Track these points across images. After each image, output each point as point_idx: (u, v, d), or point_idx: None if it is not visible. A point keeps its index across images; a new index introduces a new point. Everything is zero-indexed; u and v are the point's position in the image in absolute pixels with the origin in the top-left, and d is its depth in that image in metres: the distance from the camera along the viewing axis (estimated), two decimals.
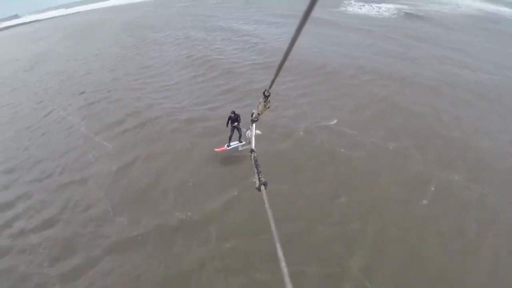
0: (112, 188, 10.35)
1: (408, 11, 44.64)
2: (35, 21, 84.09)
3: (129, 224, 8.75)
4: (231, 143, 11.26)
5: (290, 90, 16.21)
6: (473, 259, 7.28)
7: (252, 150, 2.95)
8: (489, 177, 9.81)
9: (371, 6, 51.00)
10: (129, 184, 10.41)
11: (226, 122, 10.76)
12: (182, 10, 58.92)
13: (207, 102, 15.72)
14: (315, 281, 6.85)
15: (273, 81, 2.06)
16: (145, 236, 8.31)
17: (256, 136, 3.46)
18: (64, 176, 11.40)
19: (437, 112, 13.75)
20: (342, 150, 11.24)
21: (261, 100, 2.58)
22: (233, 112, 10.61)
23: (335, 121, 12.99)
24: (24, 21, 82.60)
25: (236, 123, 10.75)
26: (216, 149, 11.19)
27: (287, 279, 1.20)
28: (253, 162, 2.68)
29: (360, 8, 49.51)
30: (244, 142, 11.12)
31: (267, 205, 1.77)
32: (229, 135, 11.05)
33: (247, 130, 3.69)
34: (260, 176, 2.31)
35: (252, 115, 3.20)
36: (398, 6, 50.08)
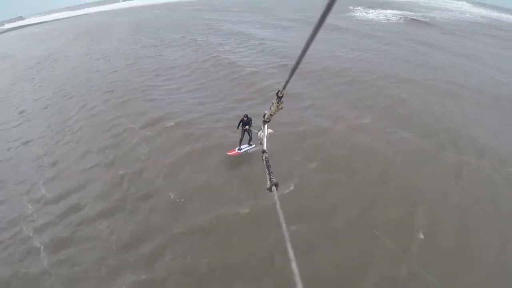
0: (172, 178, 10.98)
1: (414, 17, 45.79)
2: (43, 22, 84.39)
3: (197, 212, 9.38)
4: (242, 147, 11.41)
5: (322, 92, 17.24)
6: None
7: (263, 151, 2.93)
8: None
9: (378, 11, 52.25)
10: (190, 175, 11.04)
11: (237, 124, 10.88)
12: (191, 14, 59.66)
13: (243, 100, 16.62)
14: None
15: (287, 83, 2.07)
16: (215, 223, 8.95)
17: (269, 135, 3.48)
18: (117, 166, 12.04)
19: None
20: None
21: (274, 101, 2.59)
22: (246, 116, 10.74)
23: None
24: (31, 23, 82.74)
25: (247, 126, 10.86)
26: (229, 153, 11.32)
27: (297, 278, 1.22)
28: (264, 163, 2.66)
29: (367, 13, 50.65)
30: (254, 145, 11.36)
31: (278, 206, 1.76)
32: (239, 138, 11.22)
33: (259, 131, 3.65)
34: (271, 177, 2.32)
35: (264, 116, 3.18)
36: (404, 12, 51.39)
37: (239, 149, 11.33)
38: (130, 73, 23.44)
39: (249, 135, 11.14)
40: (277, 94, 2.47)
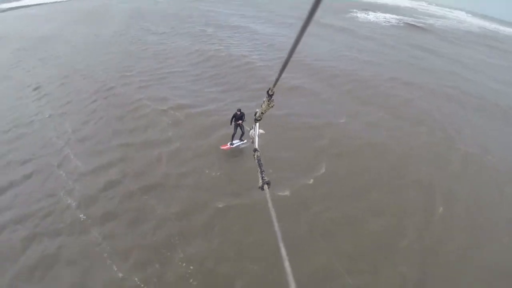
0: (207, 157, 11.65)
1: (411, 23, 47.42)
2: (40, 4, 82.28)
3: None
4: (234, 141, 11.57)
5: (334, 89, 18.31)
6: None
7: (255, 150, 2.90)
8: None
9: (377, 13, 53.76)
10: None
11: (230, 119, 11.04)
12: (189, 4, 58.80)
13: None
14: None
15: (277, 80, 2.06)
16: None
17: (260, 135, 3.43)
18: (150, 146, 12.56)
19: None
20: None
21: (265, 99, 2.55)
22: (239, 110, 10.84)
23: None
24: (26, 4, 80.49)
25: (240, 121, 10.98)
26: (222, 147, 11.57)
27: (290, 278, 1.21)
28: (256, 161, 2.64)
29: (368, 14, 52.02)
30: (246, 141, 11.60)
31: (270, 205, 1.75)
32: (232, 133, 11.43)
33: (251, 129, 3.66)
34: (263, 175, 2.30)
35: (255, 114, 3.19)
36: (401, 17, 53.02)
37: (231, 144, 11.57)
38: (145, 59, 23.76)
39: (241, 130, 11.33)
40: (267, 92, 2.43)
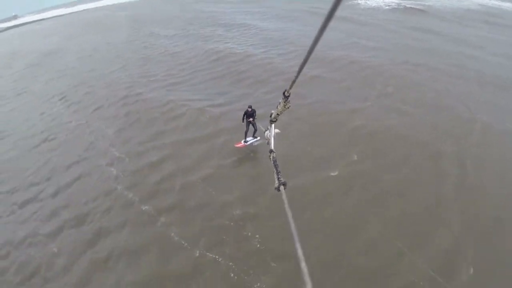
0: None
1: (412, 6, 47.45)
2: (41, 19, 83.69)
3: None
4: (247, 139, 11.69)
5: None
6: None
7: (271, 151, 2.90)
8: None
9: None
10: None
11: (242, 117, 11.13)
12: (190, 7, 58.90)
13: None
14: None
15: (293, 82, 2.05)
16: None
17: (275, 135, 3.41)
18: (199, 143, 13.31)
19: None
20: None
21: (281, 100, 2.53)
22: (250, 107, 10.89)
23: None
24: (29, 20, 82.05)
25: (251, 119, 11.04)
26: (236, 145, 11.76)
27: (307, 278, 1.23)
28: (272, 162, 2.64)
29: (368, 0, 51.92)
30: (259, 138, 11.73)
31: (286, 206, 1.76)
32: (244, 130, 11.51)
33: (266, 130, 3.65)
34: (279, 176, 2.31)
35: (271, 116, 3.15)
36: (400, 0, 52.84)
37: (245, 141, 11.68)
38: (164, 62, 24.57)
39: (254, 127, 11.39)
40: (284, 93, 2.42)
